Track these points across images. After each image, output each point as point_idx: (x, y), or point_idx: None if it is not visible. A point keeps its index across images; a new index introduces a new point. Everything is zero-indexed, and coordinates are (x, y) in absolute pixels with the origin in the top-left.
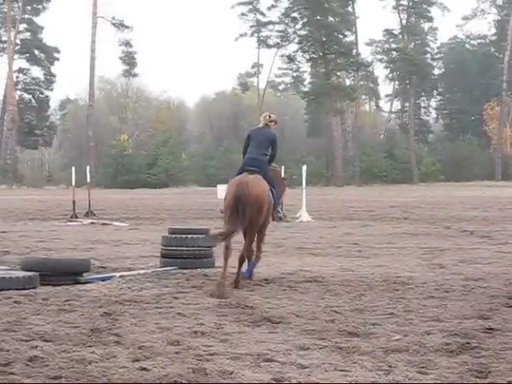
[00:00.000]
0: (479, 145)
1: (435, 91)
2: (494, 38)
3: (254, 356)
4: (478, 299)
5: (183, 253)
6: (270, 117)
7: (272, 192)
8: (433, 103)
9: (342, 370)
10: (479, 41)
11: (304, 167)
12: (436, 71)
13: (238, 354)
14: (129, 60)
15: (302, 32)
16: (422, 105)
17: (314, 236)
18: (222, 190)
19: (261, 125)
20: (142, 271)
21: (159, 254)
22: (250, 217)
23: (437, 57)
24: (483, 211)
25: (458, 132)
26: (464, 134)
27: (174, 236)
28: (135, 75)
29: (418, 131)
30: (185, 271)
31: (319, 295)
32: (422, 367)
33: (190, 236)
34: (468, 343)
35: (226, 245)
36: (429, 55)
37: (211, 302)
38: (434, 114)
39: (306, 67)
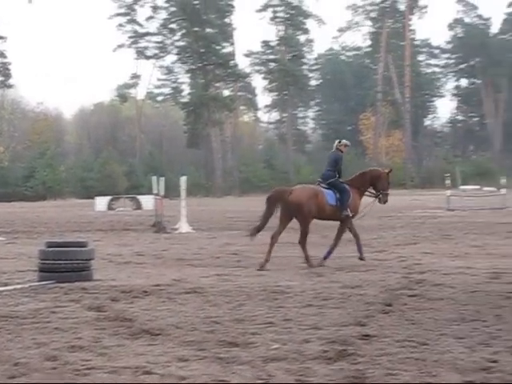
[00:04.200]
0: (356, 154)
1: (312, 102)
2: (368, 49)
3: (133, 369)
4: (355, 306)
5: (61, 266)
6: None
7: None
8: (310, 114)
9: (222, 381)
10: (354, 52)
11: (183, 178)
12: (313, 82)
13: (116, 367)
14: (3, 71)
15: (181, 43)
16: (300, 115)
17: (194, 247)
18: (100, 203)
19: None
20: (18, 286)
21: (36, 268)
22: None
23: (313, 68)
24: (359, 220)
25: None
26: None
27: (51, 249)
28: (10, 86)
29: (296, 141)
30: (63, 285)
31: (199, 306)
32: (301, 375)
33: (67, 249)
34: (345, 350)
35: None
36: (306, 66)
37: (89, 315)
38: (311, 124)
39: (184, 78)
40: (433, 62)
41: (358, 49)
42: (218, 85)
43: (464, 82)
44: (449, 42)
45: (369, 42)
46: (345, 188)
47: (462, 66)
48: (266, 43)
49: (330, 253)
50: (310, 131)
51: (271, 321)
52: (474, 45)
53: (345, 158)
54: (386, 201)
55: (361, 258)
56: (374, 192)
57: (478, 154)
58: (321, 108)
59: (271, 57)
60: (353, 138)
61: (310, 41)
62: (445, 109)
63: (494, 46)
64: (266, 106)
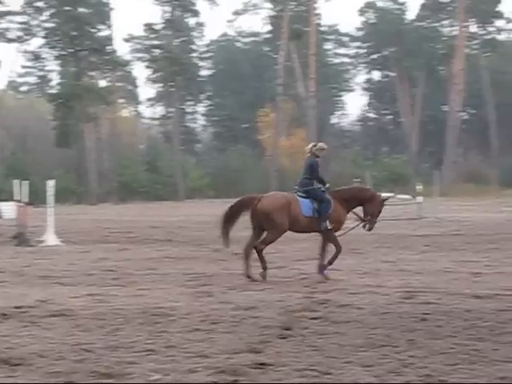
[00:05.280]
0: (252, 156)
1: (203, 95)
2: (267, 35)
3: None
4: (248, 331)
5: None
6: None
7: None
8: (200, 109)
9: None
10: (252, 39)
11: (51, 182)
12: (204, 72)
13: None
14: None
15: (49, 24)
16: (189, 110)
17: (63, 262)
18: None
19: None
20: None
21: None
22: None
23: (205, 56)
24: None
25: (229, 141)
26: (236, 143)
27: None
28: None
29: (185, 140)
30: None
31: (67, 331)
32: None
33: None
34: (236, 381)
35: None
36: (195, 54)
37: None
38: (201, 120)
39: (53, 65)
40: (341, 51)
41: (256, 35)
42: (92, 74)
43: (376, 75)
44: (359, 29)
45: (268, 28)
46: (324, 197)
47: (374, 57)
48: (149, 26)
49: (325, 266)
50: (199, 129)
51: (151, 348)
52: (387, 33)
53: (239, 161)
54: (372, 229)
55: (324, 277)
56: (362, 216)
57: (392, 157)
58: (212, 102)
59: (155, 42)
60: (249, 138)
61: (200, 24)
62: (355, 105)
63: (409, 35)
64: (149, 100)
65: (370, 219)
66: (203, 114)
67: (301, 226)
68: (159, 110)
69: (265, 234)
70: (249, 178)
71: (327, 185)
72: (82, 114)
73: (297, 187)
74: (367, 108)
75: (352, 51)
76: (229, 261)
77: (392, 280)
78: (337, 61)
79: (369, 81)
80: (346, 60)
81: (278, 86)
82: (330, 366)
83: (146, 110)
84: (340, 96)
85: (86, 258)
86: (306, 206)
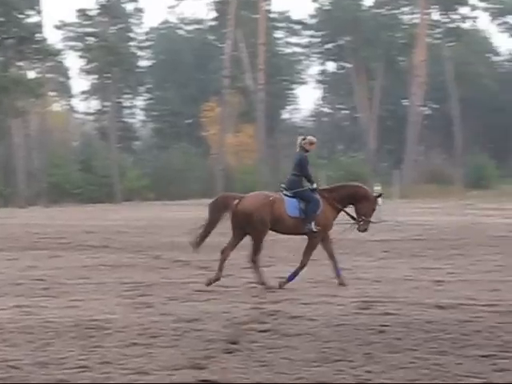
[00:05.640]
0: (196, 154)
1: (142, 88)
2: (212, 23)
3: None
4: (191, 345)
5: None
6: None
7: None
8: (139, 103)
9: None
10: (195, 26)
11: None
12: (143, 63)
13: None
14: None
15: None
16: (126, 104)
17: None
18: None
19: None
20: None
21: None
22: None
23: (144, 45)
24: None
25: (171, 138)
26: (178, 140)
27: None
28: None
29: (122, 137)
30: None
31: None
32: None
33: None
34: None
35: None
36: (134, 43)
37: None
38: (140, 116)
39: None
40: (293, 40)
41: (200, 22)
42: (21, 64)
43: (331, 66)
44: (313, 16)
45: (213, 14)
46: (312, 197)
47: (328, 46)
48: (82, 12)
49: (295, 274)
50: (138, 125)
51: (85, 364)
52: (343, 20)
53: (182, 160)
54: (366, 230)
55: (341, 283)
56: (355, 216)
57: (348, 155)
58: (152, 96)
59: (89, 30)
60: (193, 134)
61: (139, 10)
62: (308, 99)
63: (367, 23)
64: (83, 93)
65: (363, 219)
66: (142, 109)
67: (286, 227)
68: (94, 104)
69: (245, 237)
70: (192, 178)
71: (315, 184)
72: (9, 108)
73: (284, 185)
74: (321, 102)
75: (305, 40)
76: (170, 269)
77: (348, 289)
78: (288, 51)
79: (323, 72)
80: (298, 50)
81: (224, 78)
82: (280, 383)
83: (80, 104)
84: (292, 89)
85: (14, 266)
86: (291, 206)
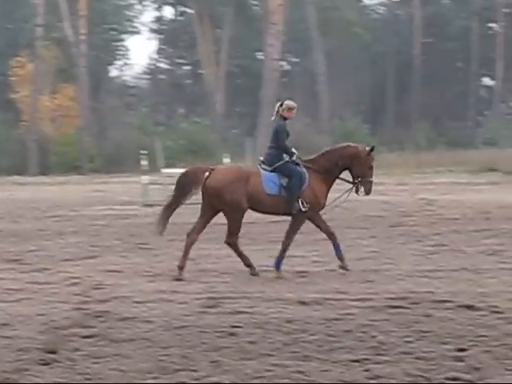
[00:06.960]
0: (4, 122)
1: None
2: None
3: None
4: None
5: None
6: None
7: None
8: None
9: None
10: None
11: None
12: None
13: None
14: None
15: None
16: None
17: None
18: None
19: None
20: None
21: None
22: None
23: None
24: (13, 222)
25: None
26: None
27: None
28: None
29: None
30: None
31: None
32: None
33: None
34: None
35: None
36: None
37: None
38: None
39: None
40: None
41: None
42: None
43: (169, 12)
44: None
45: None
46: (294, 170)
47: None
48: None
49: (280, 259)
50: None
51: None
52: None
53: None
54: (369, 191)
55: (342, 267)
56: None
57: (191, 121)
58: None
59: None
60: None
61: None
62: (141, 52)
63: None
64: None
65: (362, 180)
66: None
67: (265, 206)
68: None
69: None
70: None
71: (294, 156)
72: None
73: (261, 160)
74: (157, 56)
75: None
76: None
77: (191, 283)
78: None
79: (159, 20)
80: None
81: (36, 28)
82: None
83: None
84: (121, 40)
85: None
86: (269, 182)
